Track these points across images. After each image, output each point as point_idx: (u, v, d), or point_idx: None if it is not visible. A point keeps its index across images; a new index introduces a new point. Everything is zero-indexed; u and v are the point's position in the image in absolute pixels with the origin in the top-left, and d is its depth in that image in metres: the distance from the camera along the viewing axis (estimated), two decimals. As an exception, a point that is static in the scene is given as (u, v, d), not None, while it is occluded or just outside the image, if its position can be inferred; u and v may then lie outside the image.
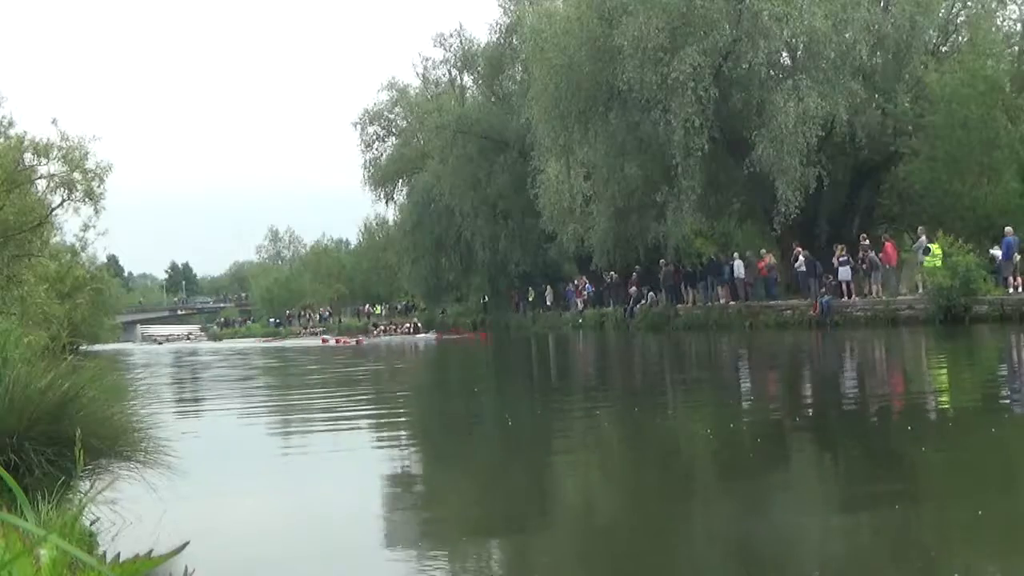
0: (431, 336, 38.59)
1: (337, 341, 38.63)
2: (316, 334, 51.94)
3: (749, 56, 25.94)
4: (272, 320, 70.11)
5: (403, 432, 10.05)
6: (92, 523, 4.50)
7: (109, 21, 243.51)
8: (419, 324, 44.43)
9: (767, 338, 22.90)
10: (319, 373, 20.21)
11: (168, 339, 68.99)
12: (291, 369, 22.97)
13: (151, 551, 2.31)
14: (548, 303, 41.30)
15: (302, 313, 68.58)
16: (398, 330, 44.47)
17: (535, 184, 36.13)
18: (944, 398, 9.94)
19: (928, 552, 4.32)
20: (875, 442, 7.44)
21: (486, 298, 47.91)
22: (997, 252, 22.18)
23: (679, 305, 30.48)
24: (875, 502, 5.23)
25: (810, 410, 9.82)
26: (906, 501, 5.27)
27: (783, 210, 25.47)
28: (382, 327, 47.45)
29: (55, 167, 24.07)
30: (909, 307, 22.56)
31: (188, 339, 68.99)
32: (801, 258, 26.20)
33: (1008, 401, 9.36)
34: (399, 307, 58.66)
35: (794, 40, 26.49)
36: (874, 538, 4.59)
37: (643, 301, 32.47)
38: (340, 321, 61.78)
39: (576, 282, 38.55)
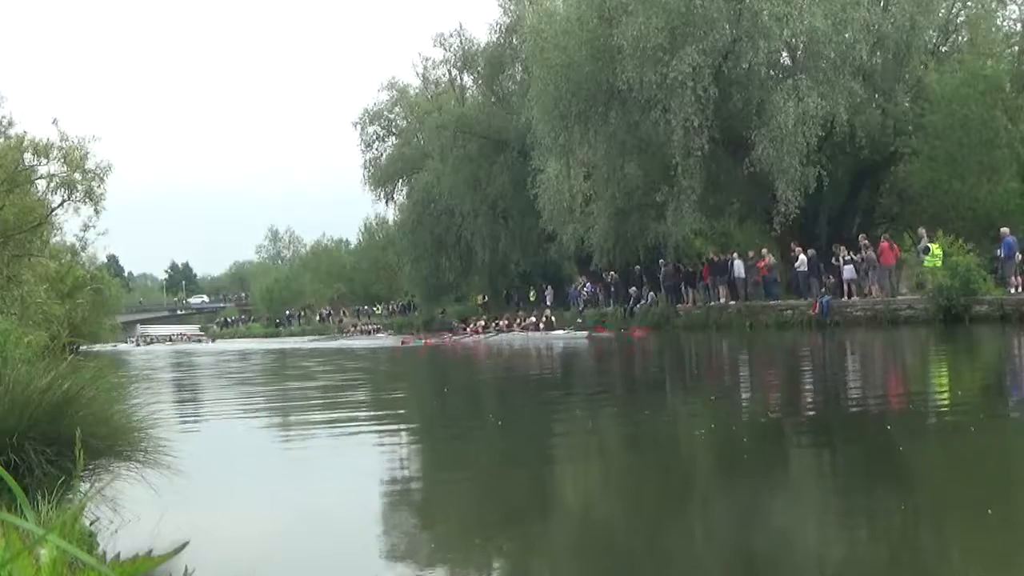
0: (579, 334, 29.66)
1: (426, 343, 32.07)
2: (369, 332, 47.86)
3: (749, 56, 25.90)
4: (279, 321, 69.96)
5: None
6: (92, 523, 4.50)
7: (109, 21, 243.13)
8: (552, 318, 33.85)
9: (767, 338, 22.90)
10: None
11: (155, 340, 67.63)
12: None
13: (151, 551, 2.31)
14: (548, 303, 41.29)
15: (302, 313, 68.57)
16: (512, 326, 34.89)
17: (535, 184, 36.08)
18: (942, 398, 9.93)
19: (927, 553, 4.32)
20: (870, 442, 7.43)
21: (486, 298, 47.88)
22: (1010, 237, 21.74)
23: (679, 305, 30.48)
24: (870, 502, 5.22)
25: (807, 410, 9.81)
26: (903, 502, 5.26)
27: (783, 210, 25.46)
28: (474, 321, 37.61)
29: (55, 167, 24.10)
30: (909, 307, 22.56)
31: (170, 341, 65.81)
32: (802, 257, 26.20)
33: (1006, 401, 9.35)
34: (398, 307, 58.45)
35: (794, 40, 26.46)
36: (870, 537, 4.58)
37: (643, 301, 32.47)
38: (341, 320, 61.62)
39: (582, 283, 38.45)
